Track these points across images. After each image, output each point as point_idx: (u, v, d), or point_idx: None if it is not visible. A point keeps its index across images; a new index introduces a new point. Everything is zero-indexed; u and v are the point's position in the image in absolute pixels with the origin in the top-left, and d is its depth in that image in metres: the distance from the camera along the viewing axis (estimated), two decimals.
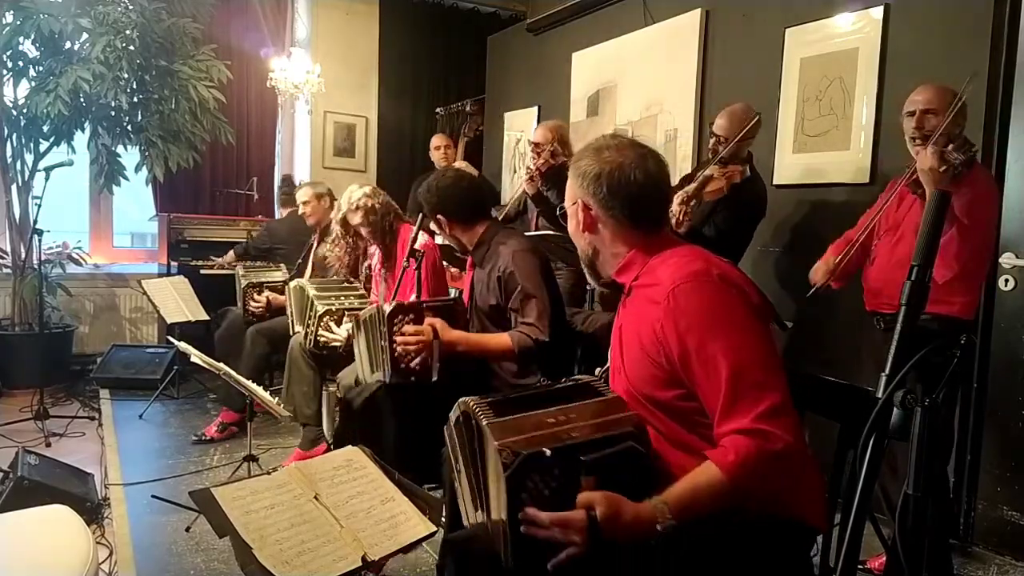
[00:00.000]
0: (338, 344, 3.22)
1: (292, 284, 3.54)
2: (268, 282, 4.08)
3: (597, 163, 1.43)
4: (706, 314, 1.27)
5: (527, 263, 2.37)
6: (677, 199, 2.92)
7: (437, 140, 5.17)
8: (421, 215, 2.73)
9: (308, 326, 3.30)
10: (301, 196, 4.20)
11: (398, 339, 2.28)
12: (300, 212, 4.22)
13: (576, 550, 1.15)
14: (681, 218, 2.89)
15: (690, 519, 1.19)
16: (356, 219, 3.38)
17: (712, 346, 1.24)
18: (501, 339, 2.32)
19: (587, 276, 1.57)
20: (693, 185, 2.94)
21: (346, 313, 3.18)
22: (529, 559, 1.18)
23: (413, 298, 2.78)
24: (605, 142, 1.47)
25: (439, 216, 2.56)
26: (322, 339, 3.26)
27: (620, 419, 1.27)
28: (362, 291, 3.52)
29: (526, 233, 3.78)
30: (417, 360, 2.29)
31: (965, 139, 2.33)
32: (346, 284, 3.57)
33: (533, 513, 1.17)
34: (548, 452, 1.15)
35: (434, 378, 2.28)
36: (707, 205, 2.98)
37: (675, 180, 3.01)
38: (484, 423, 1.23)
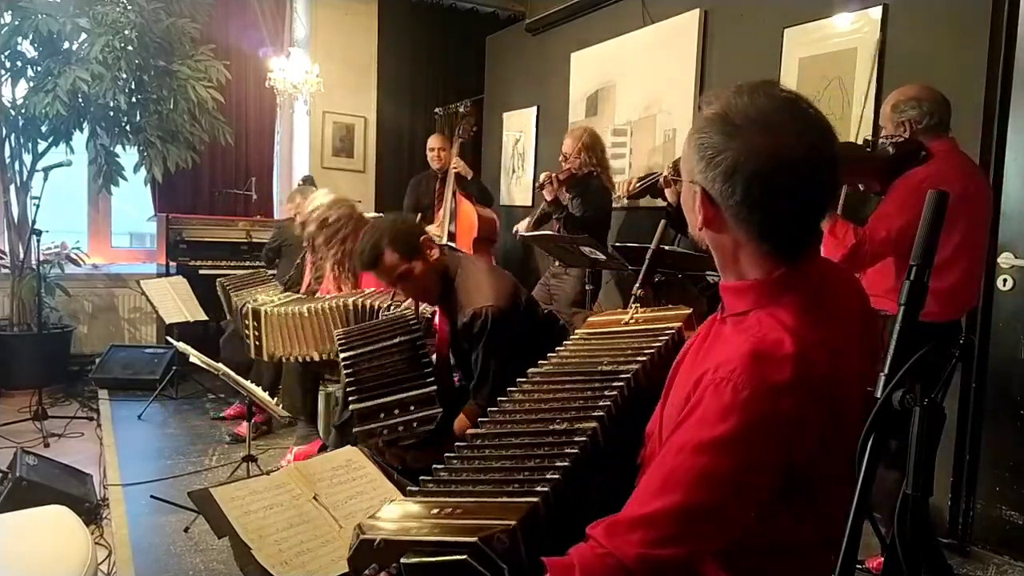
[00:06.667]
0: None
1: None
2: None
3: None
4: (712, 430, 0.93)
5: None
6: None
7: (432, 141, 5.07)
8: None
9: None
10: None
11: None
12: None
13: None
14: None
15: None
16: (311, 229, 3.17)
17: (687, 460, 0.95)
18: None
19: None
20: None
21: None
22: None
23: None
24: None
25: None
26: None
27: (486, 527, 1.04)
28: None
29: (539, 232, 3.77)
30: None
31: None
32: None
33: None
34: (376, 541, 1.11)
35: None
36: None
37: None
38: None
